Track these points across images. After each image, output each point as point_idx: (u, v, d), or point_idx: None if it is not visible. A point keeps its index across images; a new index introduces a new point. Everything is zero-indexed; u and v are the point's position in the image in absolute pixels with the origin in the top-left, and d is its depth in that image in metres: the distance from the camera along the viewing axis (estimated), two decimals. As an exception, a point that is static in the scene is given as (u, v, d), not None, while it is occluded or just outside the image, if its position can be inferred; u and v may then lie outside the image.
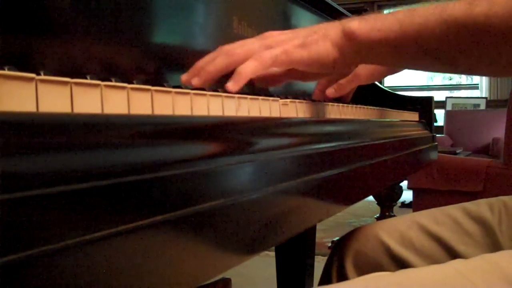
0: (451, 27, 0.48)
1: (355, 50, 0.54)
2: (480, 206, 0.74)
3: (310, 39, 0.55)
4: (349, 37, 0.53)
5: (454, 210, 0.75)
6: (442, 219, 0.74)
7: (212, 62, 0.53)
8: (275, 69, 0.64)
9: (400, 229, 0.74)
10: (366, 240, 0.75)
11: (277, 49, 0.54)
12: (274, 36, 0.57)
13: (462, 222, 0.72)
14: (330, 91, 0.76)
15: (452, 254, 0.70)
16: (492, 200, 0.75)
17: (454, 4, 0.48)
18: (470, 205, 0.75)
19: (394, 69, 0.88)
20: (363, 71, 0.82)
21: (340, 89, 0.78)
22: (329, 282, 0.76)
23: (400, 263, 0.71)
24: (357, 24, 0.53)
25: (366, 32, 0.53)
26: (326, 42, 0.55)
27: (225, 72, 0.52)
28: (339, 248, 0.78)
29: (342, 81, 0.80)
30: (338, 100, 0.79)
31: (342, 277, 0.75)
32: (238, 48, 0.54)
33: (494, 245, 0.69)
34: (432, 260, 0.70)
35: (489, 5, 0.45)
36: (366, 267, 0.72)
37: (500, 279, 0.44)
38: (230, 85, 0.49)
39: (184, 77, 0.53)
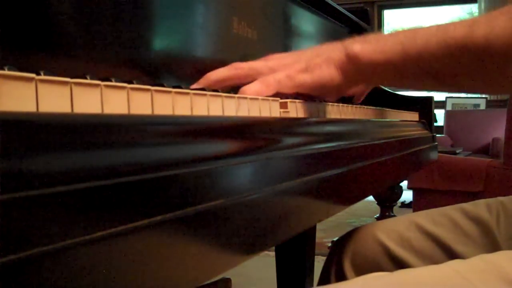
0: (452, 50, 0.48)
1: (359, 72, 0.55)
2: (478, 206, 0.74)
3: (314, 63, 0.56)
4: (352, 60, 0.54)
5: (452, 210, 0.75)
6: (440, 219, 0.74)
7: (216, 72, 0.54)
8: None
9: (399, 230, 0.74)
10: (365, 241, 0.75)
11: (281, 73, 0.55)
12: (277, 59, 0.59)
13: (460, 223, 0.73)
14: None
15: (451, 254, 0.70)
16: (490, 200, 0.75)
17: (455, 27, 0.48)
18: (468, 206, 0.75)
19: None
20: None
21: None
22: (328, 282, 0.76)
23: (399, 264, 0.71)
24: (359, 47, 0.54)
25: (368, 54, 0.53)
26: (330, 66, 0.55)
27: (226, 84, 0.53)
28: (337, 249, 0.78)
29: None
30: (343, 100, 0.79)
31: (341, 277, 0.75)
32: (243, 63, 0.56)
33: (493, 246, 0.69)
34: (430, 260, 0.70)
35: (489, 27, 0.46)
36: (364, 268, 0.73)
37: (498, 279, 0.44)
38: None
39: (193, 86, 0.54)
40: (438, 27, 0.50)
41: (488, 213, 0.72)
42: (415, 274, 0.48)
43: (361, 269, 0.73)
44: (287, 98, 0.54)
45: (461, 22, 0.48)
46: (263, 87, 0.53)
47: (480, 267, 0.46)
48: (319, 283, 0.81)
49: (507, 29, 0.45)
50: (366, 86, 0.83)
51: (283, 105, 0.51)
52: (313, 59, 0.56)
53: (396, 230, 0.74)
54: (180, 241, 0.30)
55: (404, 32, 0.53)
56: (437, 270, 0.48)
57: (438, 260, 0.69)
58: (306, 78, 0.55)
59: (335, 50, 0.56)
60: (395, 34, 0.54)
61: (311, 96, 0.60)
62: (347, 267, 0.75)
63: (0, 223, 0.19)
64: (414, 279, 0.47)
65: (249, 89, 0.52)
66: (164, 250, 0.28)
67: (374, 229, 0.76)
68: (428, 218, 0.75)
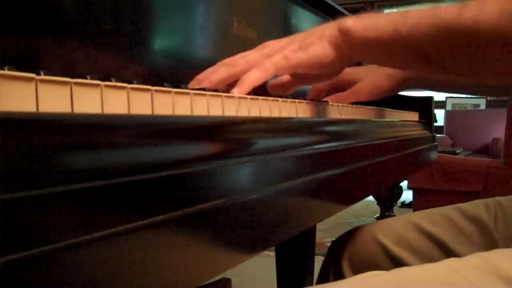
0: (441, 31, 0.49)
1: (350, 47, 0.55)
2: (476, 206, 0.74)
3: (307, 41, 0.56)
4: (344, 34, 0.55)
5: (450, 210, 0.75)
6: (438, 219, 0.74)
7: (215, 72, 0.54)
8: (284, 77, 0.65)
9: (397, 229, 0.74)
10: (363, 241, 0.75)
11: (276, 56, 0.55)
12: (272, 44, 0.59)
13: (458, 223, 0.73)
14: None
15: (449, 253, 0.70)
16: (488, 200, 0.75)
17: (446, 8, 0.49)
18: (466, 206, 0.75)
19: (395, 88, 0.89)
20: (364, 88, 0.83)
21: (338, 102, 0.79)
22: (326, 282, 0.76)
23: (397, 263, 0.71)
24: (352, 22, 0.55)
25: (360, 29, 0.54)
26: (323, 42, 0.56)
27: (227, 82, 0.53)
28: (336, 249, 0.78)
29: (341, 94, 0.81)
30: None
31: (339, 277, 0.75)
32: (239, 59, 0.56)
33: (490, 245, 0.69)
34: (429, 259, 0.70)
35: (478, 11, 0.46)
36: (363, 267, 0.73)
37: (494, 276, 0.45)
38: (235, 91, 0.50)
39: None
40: (430, 8, 0.51)
41: (486, 213, 0.72)
42: (411, 272, 0.49)
43: (359, 269, 0.73)
44: (286, 97, 0.54)
45: (453, 5, 0.49)
46: (262, 73, 0.53)
47: (475, 264, 0.47)
48: (318, 283, 0.81)
49: (494, 14, 0.45)
50: (368, 96, 0.83)
51: (283, 105, 0.51)
52: (307, 38, 0.57)
53: (394, 230, 0.74)
54: (180, 241, 0.30)
55: (398, 12, 0.54)
56: (433, 268, 0.48)
57: (436, 259, 0.69)
58: (301, 56, 0.55)
59: (328, 27, 0.57)
60: (390, 13, 0.55)
61: (311, 76, 0.60)
62: (345, 267, 0.75)
63: (0, 223, 0.19)
64: (411, 277, 0.47)
65: (249, 78, 0.52)
66: (164, 250, 0.28)
67: (373, 228, 0.76)
68: (426, 217, 0.75)
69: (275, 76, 0.58)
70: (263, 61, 0.54)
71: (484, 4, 0.46)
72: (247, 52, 0.58)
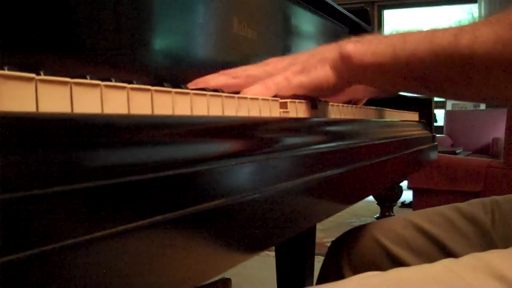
0: (439, 57, 0.50)
1: (351, 73, 0.56)
2: (474, 206, 0.74)
3: (309, 65, 0.57)
4: (345, 60, 0.55)
5: (448, 210, 0.76)
6: (437, 219, 0.74)
7: (214, 79, 0.55)
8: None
9: (396, 229, 0.75)
10: (362, 240, 0.76)
11: (279, 76, 0.56)
12: (275, 62, 0.60)
13: (456, 222, 0.73)
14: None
15: (447, 253, 0.70)
16: (485, 200, 0.75)
17: (443, 34, 0.50)
18: (464, 205, 0.76)
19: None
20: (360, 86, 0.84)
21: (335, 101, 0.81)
22: (326, 282, 0.77)
23: (396, 262, 0.72)
24: (352, 47, 0.55)
25: (360, 55, 0.54)
26: (325, 66, 0.56)
27: (225, 90, 0.54)
28: (335, 248, 0.79)
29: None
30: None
31: (339, 277, 0.75)
32: (240, 72, 0.57)
33: (488, 245, 0.70)
34: (427, 259, 0.70)
35: (473, 37, 0.47)
36: (362, 267, 0.73)
37: (490, 276, 0.45)
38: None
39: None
40: (428, 32, 0.52)
41: (483, 213, 0.73)
42: (408, 272, 0.49)
43: (359, 268, 0.73)
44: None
45: (449, 30, 0.50)
46: (264, 90, 0.54)
47: (472, 264, 0.47)
48: (317, 283, 0.81)
49: (489, 40, 0.46)
50: (365, 93, 0.83)
51: (283, 105, 0.51)
52: (309, 61, 0.58)
53: (393, 229, 0.75)
54: (180, 241, 0.30)
55: (397, 35, 0.55)
56: (430, 268, 0.48)
57: (435, 259, 0.69)
58: (302, 80, 0.56)
59: (330, 50, 0.57)
60: (390, 36, 0.55)
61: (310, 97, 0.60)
62: (345, 266, 0.75)
63: (1, 222, 0.19)
64: (408, 277, 0.47)
65: (250, 91, 0.53)
66: (164, 250, 0.28)
67: (372, 228, 0.76)
68: (425, 217, 0.75)
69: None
70: (266, 80, 0.55)
71: (478, 30, 0.47)
72: (249, 67, 0.59)
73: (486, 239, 0.71)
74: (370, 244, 0.75)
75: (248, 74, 0.57)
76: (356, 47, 0.55)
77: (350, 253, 0.76)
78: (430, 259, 0.69)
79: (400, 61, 0.52)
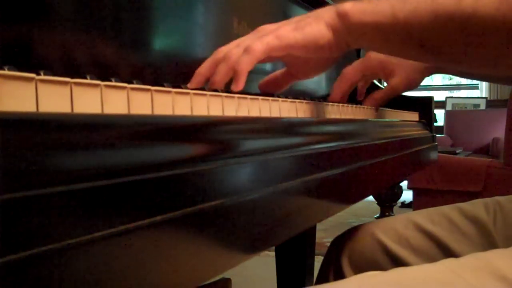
0: (439, 17, 0.48)
1: (348, 31, 0.54)
2: (475, 206, 0.74)
3: (303, 22, 0.54)
4: (342, 17, 0.53)
5: (450, 210, 0.76)
6: (438, 218, 0.74)
7: (217, 73, 0.53)
8: (277, 73, 0.64)
9: (397, 228, 0.75)
10: (363, 239, 0.75)
11: (269, 35, 0.53)
12: (267, 27, 0.57)
13: (458, 222, 0.73)
14: (368, 103, 0.81)
15: (448, 253, 0.70)
16: (487, 200, 0.75)
17: None
18: (466, 205, 0.75)
19: (422, 80, 0.89)
20: (400, 85, 0.84)
21: (377, 103, 0.83)
22: (326, 281, 0.77)
23: (397, 262, 0.72)
24: (350, 6, 0.53)
25: (358, 13, 0.53)
26: (320, 23, 0.54)
27: (231, 76, 0.53)
28: (335, 247, 0.78)
29: (376, 95, 0.84)
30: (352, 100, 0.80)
31: (339, 276, 0.75)
32: (234, 48, 0.54)
33: (490, 245, 0.70)
34: (428, 259, 0.70)
35: None
36: (363, 266, 0.73)
37: (492, 276, 0.45)
38: (234, 87, 0.50)
39: (190, 86, 0.53)
40: None
41: (485, 213, 0.73)
42: (409, 272, 0.49)
43: (359, 267, 0.73)
44: (286, 97, 0.54)
45: None
46: (252, 57, 0.51)
47: (473, 264, 0.47)
48: (317, 282, 0.81)
49: (494, 2, 0.45)
50: (366, 78, 0.83)
51: (283, 105, 0.51)
52: (303, 19, 0.55)
53: (394, 229, 0.75)
54: (180, 241, 0.30)
55: None
56: (432, 268, 0.48)
57: (436, 259, 0.69)
58: (296, 36, 0.53)
59: (326, 10, 0.55)
60: None
61: (305, 69, 0.59)
62: (345, 265, 0.75)
63: (0, 223, 0.19)
64: (409, 278, 0.47)
65: (240, 66, 0.51)
66: (164, 250, 0.28)
67: (372, 227, 0.76)
68: (426, 217, 0.75)
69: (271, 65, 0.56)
70: (252, 43, 0.52)
71: None
72: (242, 38, 0.56)
73: (488, 239, 0.71)
74: (371, 243, 0.75)
75: (242, 46, 0.53)
76: (354, 5, 0.53)
77: (350, 252, 0.76)
78: (431, 259, 0.69)
79: (399, 21, 0.51)
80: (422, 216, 0.76)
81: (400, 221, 0.76)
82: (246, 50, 0.52)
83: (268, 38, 0.53)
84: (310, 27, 0.54)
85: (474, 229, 0.72)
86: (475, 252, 0.51)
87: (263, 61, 0.53)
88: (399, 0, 0.51)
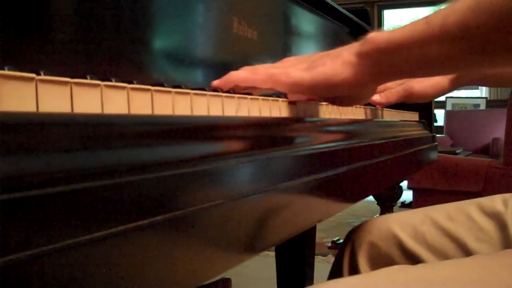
0: (481, 3, 0.42)
1: (374, 60, 0.48)
2: (495, 201, 0.74)
3: (319, 62, 0.51)
4: (368, 45, 0.48)
5: (469, 205, 0.75)
6: (456, 215, 0.73)
7: (236, 73, 0.53)
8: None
9: (413, 223, 0.74)
10: (379, 232, 0.75)
11: (277, 69, 0.52)
12: (288, 60, 0.55)
13: (476, 218, 0.72)
14: (376, 98, 0.76)
15: (465, 250, 0.70)
16: (507, 195, 0.75)
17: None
18: (485, 200, 0.75)
19: (453, 87, 0.84)
20: (418, 86, 0.80)
21: (387, 98, 0.78)
22: (340, 272, 0.76)
23: (412, 258, 0.71)
24: (375, 33, 0.49)
25: (387, 35, 0.48)
26: (336, 62, 0.50)
27: (243, 86, 0.53)
28: (351, 239, 0.78)
29: (388, 92, 0.80)
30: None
31: (354, 267, 0.75)
32: (261, 68, 0.54)
33: (507, 241, 0.69)
34: (443, 256, 0.70)
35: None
36: (377, 259, 0.73)
37: None
38: (215, 82, 0.50)
39: (215, 82, 0.54)
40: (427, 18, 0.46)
41: (504, 207, 0.72)
42: (440, 268, 0.48)
43: (374, 260, 0.73)
44: (286, 98, 0.54)
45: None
46: (249, 76, 0.51)
47: (507, 261, 0.46)
48: (331, 273, 0.80)
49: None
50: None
51: (284, 105, 0.51)
52: (321, 59, 0.51)
53: (411, 224, 0.74)
54: (180, 241, 0.30)
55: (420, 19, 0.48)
56: (463, 264, 0.47)
57: (451, 256, 0.69)
58: (304, 76, 0.50)
59: (348, 47, 0.51)
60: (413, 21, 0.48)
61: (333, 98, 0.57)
62: (361, 258, 0.74)
63: (0, 223, 0.19)
64: (440, 274, 0.46)
65: (235, 74, 0.51)
66: (164, 250, 0.28)
67: (389, 221, 0.76)
68: (444, 213, 0.74)
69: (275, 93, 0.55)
70: (257, 67, 0.52)
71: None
72: (269, 67, 0.55)
73: (505, 235, 0.70)
74: (387, 237, 0.74)
75: (269, 72, 0.52)
76: (380, 32, 0.49)
77: (366, 245, 0.75)
78: (447, 256, 0.68)
79: (435, 24, 0.44)
80: (440, 212, 0.75)
81: (417, 216, 0.76)
82: (248, 68, 0.52)
83: (275, 70, 0.51)
84: (323, 67, 0.50)
85: (492, 225, 0.71)
86: (508, 249, 0.49)
87: (271, 90, 0.53)
88: (432, 12, 0.46)
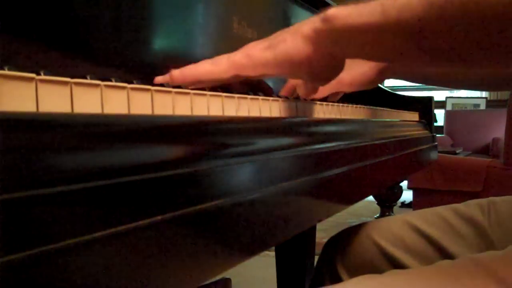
0: (434, 4, 0.41)
1: (333, 39, 0.47)
2: (471, 207, 0.74)
3: (279, 39, 0.49)
4: (326, 23, 0.47)
5: (445, 211, 0.76)
6: (433, 219, 0.74)
7: (196, 67, 0.50)
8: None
9: (392, 229, 0.75)
10: (358, 240, 0.75)
11: (238, 53, 0.49)
12: (251, 44, 0.52)
13: (453, 223, 0.73)
14: (301, 90, 0.63)
15: (444, 254, 0.70)
16: (483, 201, 0.75)
17: None
18: (461, 206, 0.75)
19: (380, 77, 0.79)
20: (347, 77, 0.73)
21: (313, 91, 0.65)
22: (322, 282, 0.77)
23: (393, 263, 0.72)
24: (335, 10, 0.47)
25: (344, 16, 0.46)
26: (296, 38, 0.48)
27: (205, 83, 0.49)
28: (330, 248, 0.78)
29: (322, 88, 0.75)
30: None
31: (334, 276, 0.75)
32: (222, 57, 0.50)
33: (486, 245, 0.70)
34: (425, 260, 0.70)
35: None
36: (358, 267, 0.73)
37: (487, 278, 0.45)
38: (160, 78, 0.47)
39: (160, 78, 0.50)
40: None
41: (480, 214, 0.73)
42: (405, 275, 0.49)
43: (355, 268, 0.73)
44: (286, 97, 0.54)
45: None
46: (212, 67, 0.48)
47: (469, 267, 0.47)
48: (312, 283, 0.81)
49: None
50: (350, 85, 0.74)
51: (283, 105, 0.51)
52: (280, 35, 0.49)
53: (390, 230, 0.75)
54: (180, 241, 0.30)
55: None
56: (427, 270, 0.48)
57: (432, 259, 0.69)
58: (267, 55, 0.48)
59: (307, 22, 0.49)
60: None
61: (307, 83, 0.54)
62: (340, 267, 0.75)
63: (1, 222, 0.19)
64: (405, 280, 0.47)
65: (195, 69, 0.48)
66: (164, 250, 0.28)
67: (368, 228, 0.76)
68: (421, 218, 0.75)
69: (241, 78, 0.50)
70: (219, 57, 0.49)
71: None
72: (231, 55, 0.51)
73: (484, 240, 0.71)
74: (367, 244, 0.75)
75: (231, 60, 0.49)
76: (339, 9, 0.47)
77: (346, 253, 0.76)
78: (427, 260, 0.69)
79: (391, 17, 0.44)
80: (418, 217, 0.76)
81: (395, 222, 0.76)
82: (212, 61, 0.49)
83: (236, 56, 0.49)
84: (284, 44, 0.48)
85: (469, 229, 0.72)
86: (471, 254, 0.50)
87: (236, 79, 0.50)
88: None
